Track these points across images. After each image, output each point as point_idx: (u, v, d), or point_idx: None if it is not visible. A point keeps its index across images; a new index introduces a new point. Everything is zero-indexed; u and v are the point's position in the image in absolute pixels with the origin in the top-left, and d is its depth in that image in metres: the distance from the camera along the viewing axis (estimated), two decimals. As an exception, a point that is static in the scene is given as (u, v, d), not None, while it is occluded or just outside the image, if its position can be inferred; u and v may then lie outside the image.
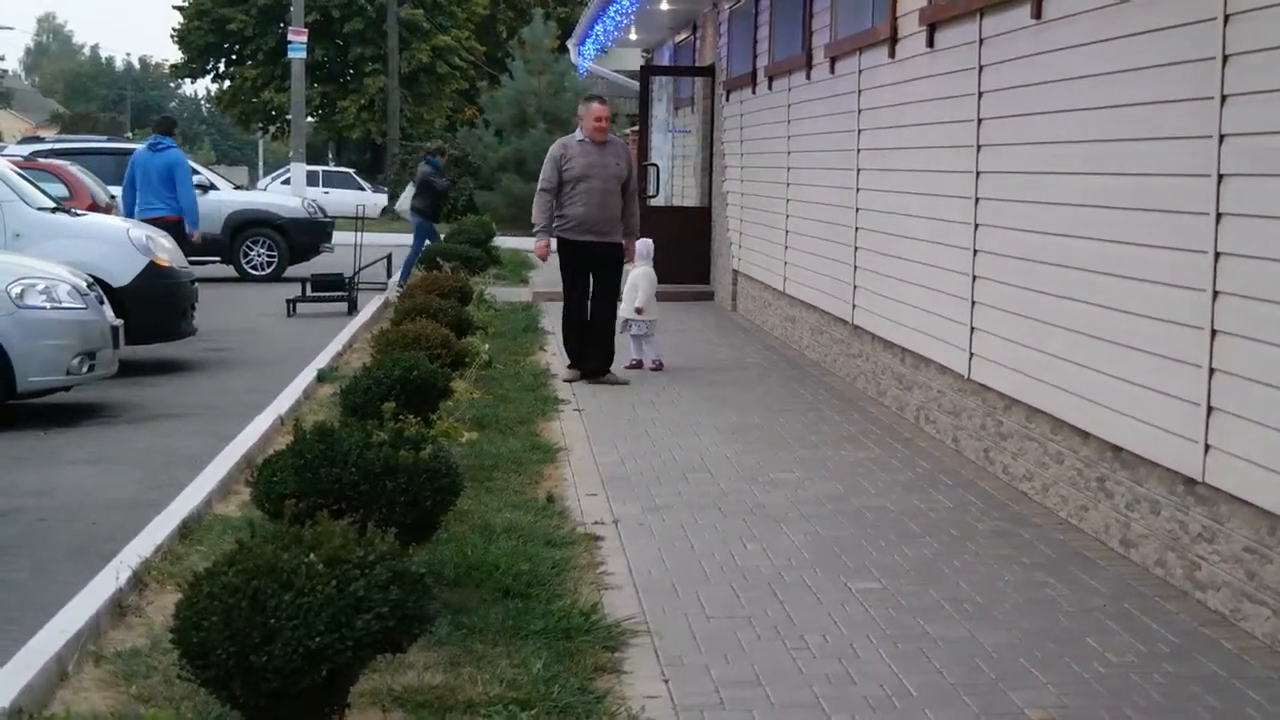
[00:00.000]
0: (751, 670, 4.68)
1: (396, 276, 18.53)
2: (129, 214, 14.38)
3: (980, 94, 7.85)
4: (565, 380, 10.68)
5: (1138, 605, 5.42)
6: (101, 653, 4.72)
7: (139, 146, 15.59)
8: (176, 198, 14.54)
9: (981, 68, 7.83)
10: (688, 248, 17.10)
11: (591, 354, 10.83)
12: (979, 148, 7.84)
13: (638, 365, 11.32)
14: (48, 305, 9.36)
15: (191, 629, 3.44)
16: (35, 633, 4.75)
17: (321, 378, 10.75)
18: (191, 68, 52.61)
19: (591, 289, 10.83)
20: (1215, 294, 5.30)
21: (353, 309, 16.31)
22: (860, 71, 10.37)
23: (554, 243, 10.79)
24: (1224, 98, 5.27)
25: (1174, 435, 5.59)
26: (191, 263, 12.94)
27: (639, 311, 11.27)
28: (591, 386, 10.49)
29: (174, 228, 13.99)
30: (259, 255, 20.80)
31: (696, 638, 5.00)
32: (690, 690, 4.49)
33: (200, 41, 50.53)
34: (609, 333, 10.87)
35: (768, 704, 4.38)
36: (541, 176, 10.86)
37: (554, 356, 11.77)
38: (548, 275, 15.60)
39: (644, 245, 11.47)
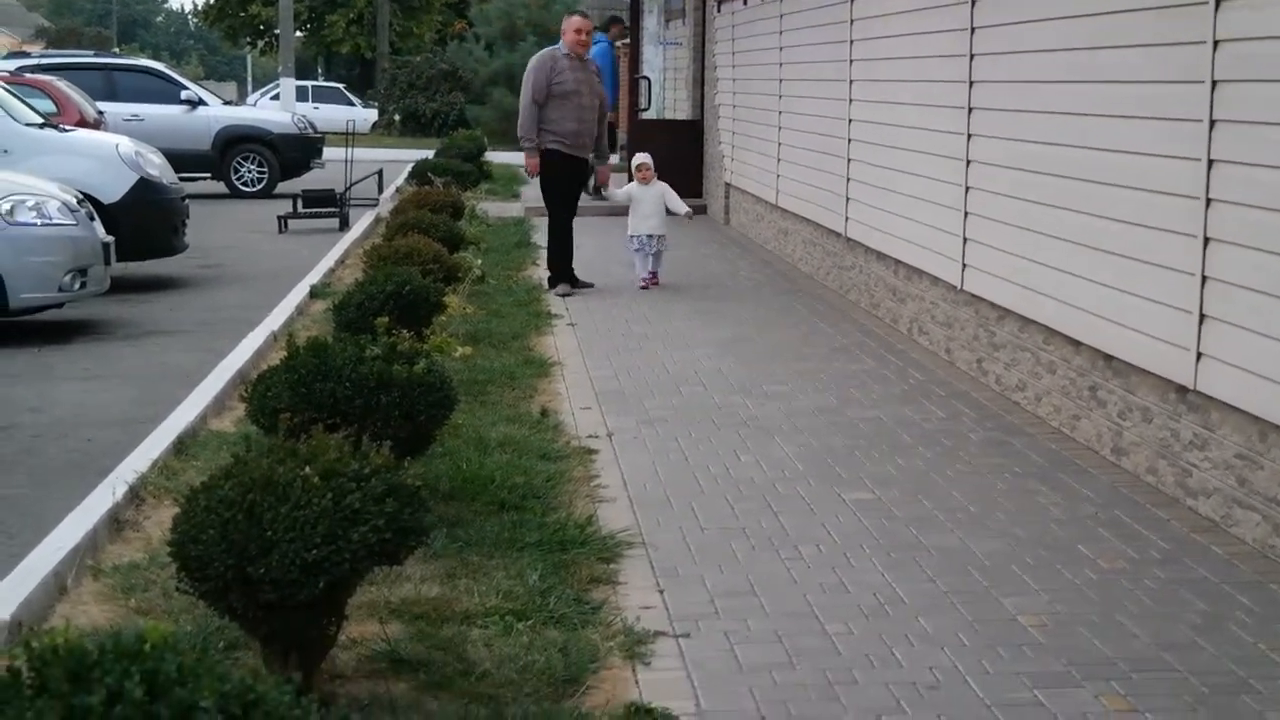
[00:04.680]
0: (746, 580, 4.71)
1: None
2: None
3: (973, 1, 7.77)
4: (560, 295, 10.68)
5: (1129, 513, 5.46)
6: (100, 567, 4.75)
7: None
8: None
9: (975, -25, 7.76)
10: (680, 161, 16.98)
11: (569, 266, 10.94)
12: (972, 57, 7.78)
13: (654, 281, 11.21)
14: (38, 222, 9.32)
15: (189, 542, 3.45)
16: (34, 548, 4.79)
17: (314, 294, 10.73)
18: (178, -19, 51.99)
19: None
20: (1208, 201, 5.29)
21: (344, 225, 16.24)
22: (853, -20, 10.26)
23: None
24: (1218, 1, 5.23)
25: (1166, 343, 5.60)
26: (181, 179, 12.89)
27: (666, 216, 11.12)
28: (584, 300, 10.49)
29: None
30: (249, 171, 20.67)
31: (691, 549, 5.03)
32: (685, 600, 4.52)
33: (186, -46, 49.93)
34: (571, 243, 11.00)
35: (762, 613, 4.42)
36: (531, 88, 10.60)
37: (547, 271, 11.74)
38: (540, 190, 15.46)
39: (647, 159, 11.34)
